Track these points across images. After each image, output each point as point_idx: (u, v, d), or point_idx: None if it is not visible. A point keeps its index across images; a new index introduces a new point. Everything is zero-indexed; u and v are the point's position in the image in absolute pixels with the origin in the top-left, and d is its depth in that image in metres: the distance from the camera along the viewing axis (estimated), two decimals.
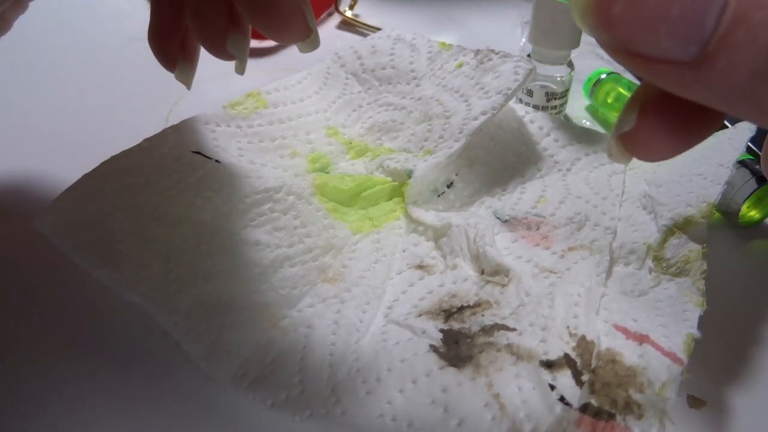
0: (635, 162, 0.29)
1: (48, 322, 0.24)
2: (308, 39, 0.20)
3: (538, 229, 0.26)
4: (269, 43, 0.46)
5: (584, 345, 0.20)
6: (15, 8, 0.25)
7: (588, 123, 0.38)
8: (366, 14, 0.51)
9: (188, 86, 0.24)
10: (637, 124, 0.14)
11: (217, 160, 0.26)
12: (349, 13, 0.50)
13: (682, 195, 0.25)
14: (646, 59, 0.11)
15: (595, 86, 0.37)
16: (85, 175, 0.24)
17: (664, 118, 0.13)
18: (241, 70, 0.22)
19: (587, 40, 0.45)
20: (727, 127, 0.32)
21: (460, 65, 0.31)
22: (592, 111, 0.38)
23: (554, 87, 0.33)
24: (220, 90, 0.40)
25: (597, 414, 0.18)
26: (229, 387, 0.20)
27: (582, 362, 0.19)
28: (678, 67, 0.11)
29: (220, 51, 0.21)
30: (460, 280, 0.24)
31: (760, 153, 0.31)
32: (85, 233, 0.22)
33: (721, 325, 0.24)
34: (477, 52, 0.31)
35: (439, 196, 0.28)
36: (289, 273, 0.24)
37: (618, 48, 0.12)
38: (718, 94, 0.11)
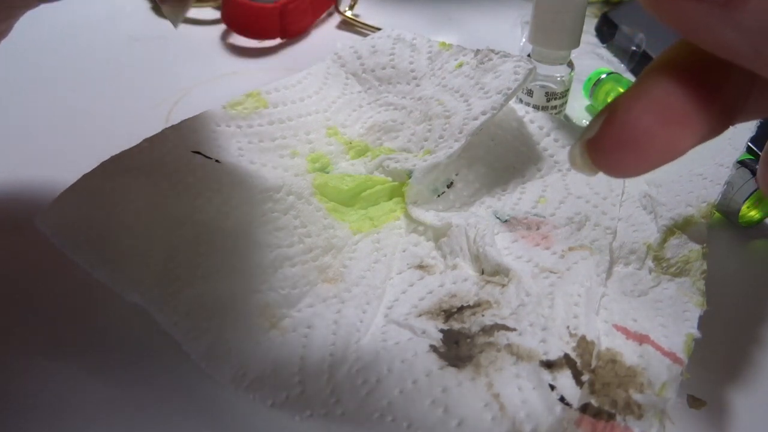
0: None
1: (48, 321, 0.24)
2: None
3: (538, 229, 0.26)
4: (269, 42, 0.46)
5: (584, 345, 0.20)
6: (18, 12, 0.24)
7: (588, 123, 0.38)
8: (366, 14, 0.51)
9: (175, 24, 0.24)
10: (601, 131, 0.13)
11: (217, 160, 0.26)
12: (349, 13, 0.50)
13: (682, 195, 0.25)
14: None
15: (595, 86, 0.37)
16: (86, 175, 0.24)
17: (627, 132, 0.13)
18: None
19: (587, 40, 0.46)
20: None
21: (460, 65, 0.31)
22: (592, 111, 0.38)
23: (554, 87, 0.33)
24: (220, 90, 0.40)
25: (597, 414, 0.18)
26: (228, 387, 0.20)
27: (582, 362, 0.19)
28: (706, 8, 0.11)
29: None
30: (460, 280, 0.24)
31: (760, 153, 0.31)
32: (86, 232, 0.23)
33: (721, 325, 0.24)
34: (477, 52, 0.31)
35: (439, 196, 0.28)
36: (289, 273, 0.24)
37: None
38: (746, 37, 0.11)
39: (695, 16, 0.11)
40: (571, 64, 0.34)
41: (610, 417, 0.18)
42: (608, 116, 0.13)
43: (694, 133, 0.13)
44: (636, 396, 0.18)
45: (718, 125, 0.13)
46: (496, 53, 0.30)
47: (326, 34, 0.49)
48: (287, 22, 0.45)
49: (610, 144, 0.13)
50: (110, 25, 0.49)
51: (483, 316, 0.22)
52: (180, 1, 0.23)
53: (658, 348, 0.20)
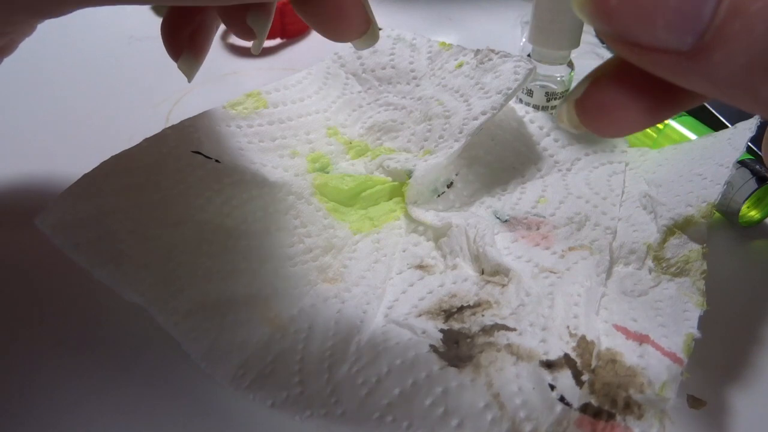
0: (635, 162, 0.29)
1: (48, 321, 0.24)
2: (367, 33, 0.19)
3: (538, 229, 0.26)
4: (269, 42, 0.46)
5: (584, 345, 0.20)
6: (23, 30, 0.24)
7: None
8: None
9: (189, 78, 0.24)
10: (585, 93, 0.14)
11: (217, 160, 0.26)
12: None
13: (682, 195, 0.25)
14: (643, 49, 0.12)
15: None
16: (86, 175, 0.24)
17: (611, 95, 0.14)
18: (257, 49, 0.21)
19: (587, 40, 0.45)
20: (726, 126, 0.32)
21: (460, 65, 0.31)
22: None
23: (554, 87, 0.33)
24: (220, 90, 0.40)
25: (597, 414, 0.18)
26: (228, 387, 0.20)
27: (582, 362, 0.19)
28: (674, 57, 0.11)
29: (239, 26, 0.21)
30: (460, 280, 0.24)
31: (760, 153, 0.31)
32: (86, 233, 0.23)
33: (721, 325, 0.24)
34: (477, 52, 0.31)
35: (439, 196, 0.28)
36: (290, 273, 0.24)
37: (615, 38, 0.12)
38: (714, 84, 0.11)
39: (665, 64, 0.12)
40: (571, 64, 0.34)
41: (610, 417, 0.18)
42: (594, 80, 0.14)
43: (675, 101, 0.14)
44: (636, 396, 0.18)
45: None
46: (496, 53, 0.30)
47: None
48: (287, 22, 0.45)
49: (596, 106, 0.14)
50: (110, 25, 0.49)
51: (483, 316, 0.22)
52: (194, 57, 0.24)
53: (658, 348, 0.20)
